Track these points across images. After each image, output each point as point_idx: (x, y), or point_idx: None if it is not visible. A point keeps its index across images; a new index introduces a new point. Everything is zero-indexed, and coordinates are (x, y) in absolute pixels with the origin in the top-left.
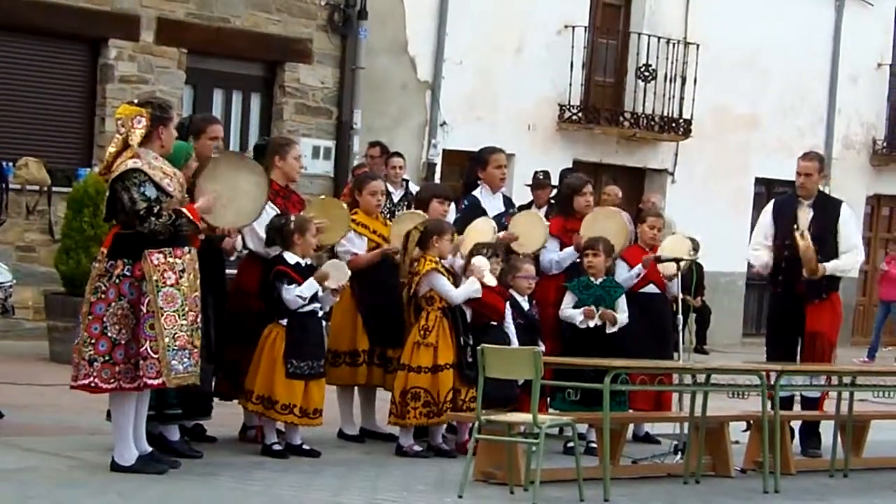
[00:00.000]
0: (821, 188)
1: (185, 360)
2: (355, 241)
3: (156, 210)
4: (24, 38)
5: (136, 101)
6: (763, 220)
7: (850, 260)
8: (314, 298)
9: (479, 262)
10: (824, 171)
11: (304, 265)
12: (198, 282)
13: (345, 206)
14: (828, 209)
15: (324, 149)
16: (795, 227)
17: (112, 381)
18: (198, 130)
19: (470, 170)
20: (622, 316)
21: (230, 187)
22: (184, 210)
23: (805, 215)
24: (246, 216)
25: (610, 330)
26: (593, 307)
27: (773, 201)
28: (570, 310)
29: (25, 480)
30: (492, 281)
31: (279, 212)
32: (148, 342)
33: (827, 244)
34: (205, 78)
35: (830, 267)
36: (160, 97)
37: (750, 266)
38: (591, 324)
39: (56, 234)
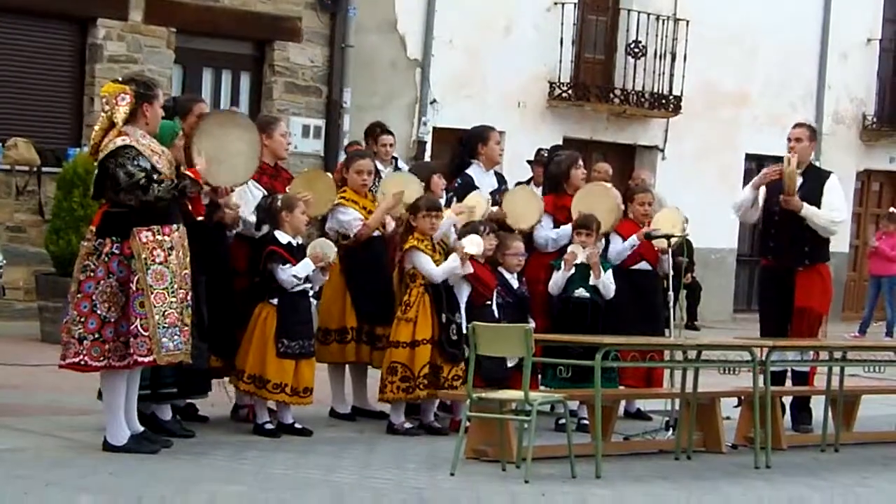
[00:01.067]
0: (813, 163)
1: (176, 337)
2: (351, 211)
3: (156, 177)
4: (12, 18)
5: (120, 79)
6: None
7: (828, 214)
8: (306, 278)
9: (470, 239)
10: (815, 141)
11: (295, 245)
12: (187, 259)
13: (329, 175)
14: (816, 178)
15: (313, 127)
16: (787, 153)
17: (102, 359)
18: (185, 110)
19: (462, 148)
20: (610, 287)
21: (222, 145)
22: (185, 171)
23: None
24: (241, 175)
25: (593, 282)
26: (574, 250)
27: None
28: (555, 276)
29: (17, 461)
30: (477, 250)
31: (265, 192)
32: (138, 320)
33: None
34: (194, 57)
35: (807, 208)
36: (144, 75)
37: (736, 214)
38: (581, 258)
39: (46, 214)
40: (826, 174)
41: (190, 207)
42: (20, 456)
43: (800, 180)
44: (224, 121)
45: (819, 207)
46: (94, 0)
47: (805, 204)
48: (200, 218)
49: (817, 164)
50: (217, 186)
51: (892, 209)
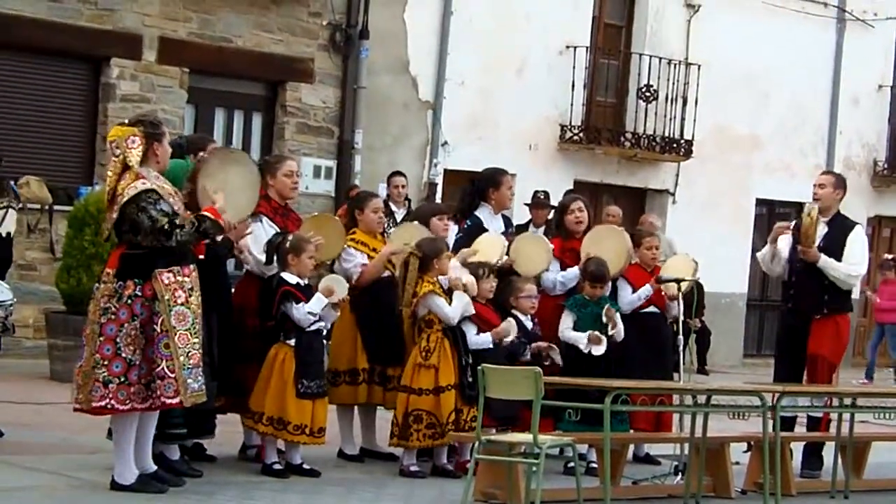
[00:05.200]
0: (840, 211)
1: (200, 378)
2: (357, 256)
3: (178, 221)
4: (27, 57)
5: (126, 121)
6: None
7: (846, 268)
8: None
9: (460, 274)
10: (841, 189)
11: (303, 284)
12: (200, 299)
13: (339, 220)
14: (841, 228)
15: (325, 168)
16: (808, 203)
17: (127, 401)
18: (198, 148)
19: (473, 190)
20: (621, 330)
21: (224, 182)
22: (205, 213)
23: (819, 231)
24: (244, 208)
25: (611, 332)
26: (598, 333)
27: (795, 221)
28: (571, 332)
29: (25, 499)
30: (473, 288)
31: (278, 230)
32: (164, 361)
33: (833, 257)
34: (206, 97)
35: (825, 260)
36: (149, 114)
37: (761, 268)
38: (597, 352)
39: (57, 252)
40: (851, 225)
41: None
42: (29, 494)
43: (824, 229)
44: (223, 159)
45: (840, 259)
46: (108, 40)
47: (823, 256)
48: (201, 257)
49: (846, 214)
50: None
51: (887, 256)
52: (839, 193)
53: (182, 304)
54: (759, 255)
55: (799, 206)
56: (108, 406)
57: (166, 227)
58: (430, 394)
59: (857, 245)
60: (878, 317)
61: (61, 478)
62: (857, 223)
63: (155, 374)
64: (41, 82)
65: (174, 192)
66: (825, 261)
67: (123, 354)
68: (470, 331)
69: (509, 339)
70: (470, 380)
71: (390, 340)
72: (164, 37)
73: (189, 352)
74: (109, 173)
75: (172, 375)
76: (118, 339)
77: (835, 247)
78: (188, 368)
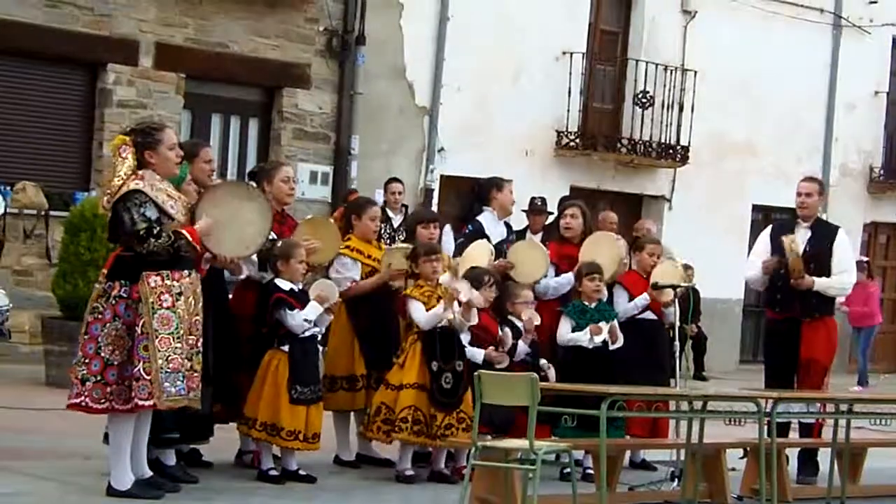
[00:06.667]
0: (820, 215)
1: (179, 382)
2: (350, 266)
3: (155, 231)
4: (23, 63)
5: (127, 129)
6: (760, 242)
7: (839, 282)
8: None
9: (459, 284)
10: (824, 195)
11: (297, 290)
12: (199, 306)
13: (334, 224)
14: (825, 233)
15: (321, 174)
16: (786, 235)
17: (103, 401)
18: (191, 155)
19: (476, 194)
20: (620, 337)
21: (231, 215)
22: (183, 232)
23: (802, 236)
24: (247, 246)
25: (613, 347)
26: (600, 324)
27: (771, 225)
28: (570, 334)
29: None
30: (465, 297)
31: (274, 237)
32: (141, 363)
33: (821, 265)
34: (203, 103)
35: (819, 282)
36: (147, 121)
37: (748, 286)
38: (599, 339)
39: (53, 258)
40: (834, 229)
41: None
42: (24, 500)
43: (807, 234)
44: (236, 191)
45: (829, 265)
46: (105, 45)
47: (816, 280)
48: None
49: (824, 217)
50: (218, 254)
51: (862, 258)
52: (823, 199)
53: (167, 308)
54: (748, 275)
55: (795, 213)
56: (83, 404)
57: (142, 232)
58: (394, 389)
59: (844, 250)
60: (854, 321)
61: (57, 483)
62: (839, 226)
63: (133, 376)
64: (37, 88)
65: (178, 196)
66: (819, 284)
67: (102, 354)
68: (464, 340)
69: (502, 366)
70: (447, 386)
71: (387, 347)
72: (160, 43)
73: (169, 356)
74: (107, 181)
75: (148, 378)
76: (100, 339)
77: (821, 254)
78: (166, 372)
